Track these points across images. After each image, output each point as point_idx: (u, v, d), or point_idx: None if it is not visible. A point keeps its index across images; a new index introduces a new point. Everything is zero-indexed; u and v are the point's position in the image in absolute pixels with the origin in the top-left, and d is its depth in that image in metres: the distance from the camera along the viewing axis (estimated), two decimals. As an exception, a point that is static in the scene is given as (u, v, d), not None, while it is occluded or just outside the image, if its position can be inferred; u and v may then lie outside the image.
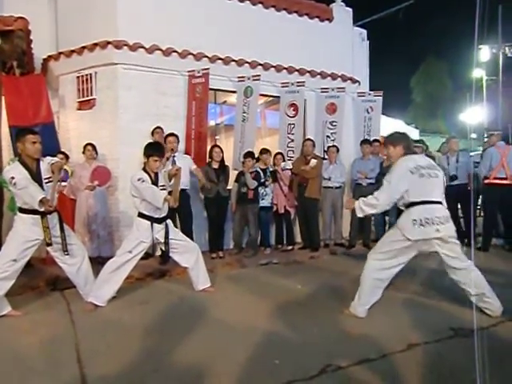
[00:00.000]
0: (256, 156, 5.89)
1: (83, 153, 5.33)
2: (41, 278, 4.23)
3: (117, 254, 3.77)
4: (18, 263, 3.30)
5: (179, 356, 2.67)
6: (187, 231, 4.88)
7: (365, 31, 8.38)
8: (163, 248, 3.97)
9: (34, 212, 3.29)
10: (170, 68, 5.85)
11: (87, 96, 5.73)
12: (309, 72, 6.86)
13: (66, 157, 5.21)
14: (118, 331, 3.09)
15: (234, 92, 6.49)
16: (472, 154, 7.50)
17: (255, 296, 3.98)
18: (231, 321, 3.28)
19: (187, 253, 3.98)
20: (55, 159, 3.51)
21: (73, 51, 5.71)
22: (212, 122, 6.92)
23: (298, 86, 6.57)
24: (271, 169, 6.01)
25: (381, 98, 7.24)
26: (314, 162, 5.87)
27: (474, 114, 19.60)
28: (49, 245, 3.39)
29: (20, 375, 2.42)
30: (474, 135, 18.28)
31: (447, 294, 3.74)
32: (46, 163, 3.40)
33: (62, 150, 5.38)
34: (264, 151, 6.04)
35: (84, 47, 5.61)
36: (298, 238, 6.35)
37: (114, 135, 5.59)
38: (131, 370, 2.48)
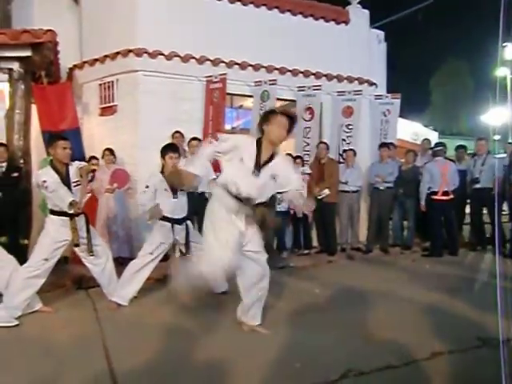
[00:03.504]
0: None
1: (102, 157, 5.52)
2: (67, 277, 4.41)
3: (138, 255, 3.89)
4: (49, 262, 3.46)
5: (200, 356, 2.74)
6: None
7: (382, 33, 8.35)
8: (182, 249, 4.06)
9: (63, 214, 3.46)
10: (189, 74, 6.00)
11: (109, 102, 5.95)
12: (325, 75, 6.90)
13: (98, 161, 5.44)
14: (140, 330, 3.20)
15: (250, 96, 6.58)
16: (499, 156, 7.32)
17: (273, 299, 3.98)
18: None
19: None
20: (83, 163, 3.68)
21: (96, 60, 5.95)
22: (228, 126, 7.03)
23: (315, 89, 6.61)
24: None
25: (398, 100, 7.19)
26: (326, 192, 5.90)
27: (498, 115, 19.13)
28: (76, 245, 3.55)
29: (53, 369, 2.54)
30: (497, 137, 17.80)
31: (474, 301, 3.67)
32: (74, 167, 3.57)
33: (93, 154, 5.57)
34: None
35: (106, 56, 5.84)
36: (315, 242, 6.37)
37: (134, 140, 5.76)
38: (156, 368, 2.57)
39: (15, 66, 5.23)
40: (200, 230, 5.03)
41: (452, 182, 5.98)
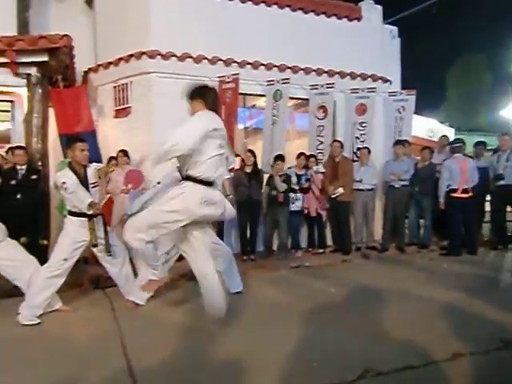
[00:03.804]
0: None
1: (116, 159, 5.59)
2: (85, 277, 4.48)
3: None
4: (68, 262, 3.54)
5: (216, 353, 2.77)
6: (218, 235, 5.00)
7: (396, 28, 8.25)
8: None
9: (82, 215, 3.54)
10: (201, 74, 5.99)
11: (123, 104, 6.04)
12: (338, 73, 6.86)
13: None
14: (158, 328, 3.24)
15: (263, 96, 6.58)
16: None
17: (288, 298, 4.02)
18: (265, 322, 3.33)
19: (220, 257, 4.06)
20: (101, 165, 3.75)
21: (110, 63, 6.05)
22: (241, 126, 7.06)
23: (328, 87, 6.57)
24: (309, 175, 5.99)
25: (413, 96, 7.08)
26: (340, 190, 5.87)
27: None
28: (94, 246, 3.62)
29: (74, 366, 2.59)
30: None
31: (494, 301, 3.59)
32: (92, 169, 3.64)
33: (112, 155, 5.67)
34: (299, 155, 6.10)
35: (120, 58, 5.93)
36: (329, 241, 6.34)
37: (148, 141, 5.80)
38: (173, 365, 2.61)
39: (33, 71, 5.35)
40: (217, 229, 5.10)
41: (471, 178, 5.88)
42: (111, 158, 5.58)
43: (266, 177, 5.96)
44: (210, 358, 2.70)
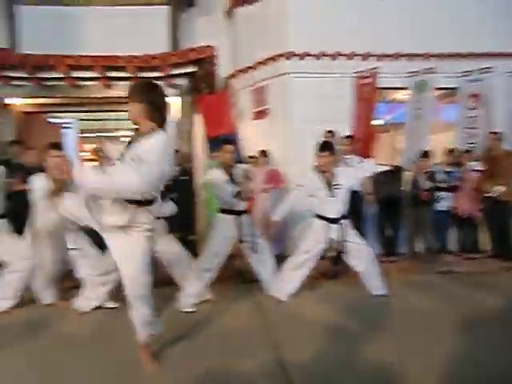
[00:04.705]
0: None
1: (257, 159, 5.83)
2: (231, 271, 4.77)
3: (296, 253, 3.98)
4: (219, 257, 3.82)
5: (364, 357, 2.68)
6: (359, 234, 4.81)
7: None
8: (338, 248, 4.00)
9: (230, 212, 3.80)
10: (338, 71, 5.90)
11: (261, 106, 6.27)
12: (495, 55, 5.95)
13: None
14: (302, 325, 3.27)
15: (402, 89, 6.12)
16: None
17: (435, 305, 3.68)
18: (410, 329, 3.14)
19: (360, 257, 3.92)
20: (245, 166, 3.97)
21: (249, 67, 6.35)
22: (380, 121, 6.69)
23: (483, 72, 5.76)
24: (458, 172, 5.42)
25: None
26: (499, 189, 5.15)
27: None
28: (241, 242, 3.83)
29: (229, 353, 2.77)
30: None
31: None
32: (237, 169, 3.86)
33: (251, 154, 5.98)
34: (449, 151, 5.58)
35: (258, 62, 6.18)
36: (484, 246, 5.56)
37: (287, 140, 5.93)
38: (324, 363, 2.60)
39: (183, 81, 5.95)
40: (356, 228, 4.93)
41: None
42: (250, 157, 5.85)
43: (406, 174, 5.54)
44: (358, 361, 2.63)
